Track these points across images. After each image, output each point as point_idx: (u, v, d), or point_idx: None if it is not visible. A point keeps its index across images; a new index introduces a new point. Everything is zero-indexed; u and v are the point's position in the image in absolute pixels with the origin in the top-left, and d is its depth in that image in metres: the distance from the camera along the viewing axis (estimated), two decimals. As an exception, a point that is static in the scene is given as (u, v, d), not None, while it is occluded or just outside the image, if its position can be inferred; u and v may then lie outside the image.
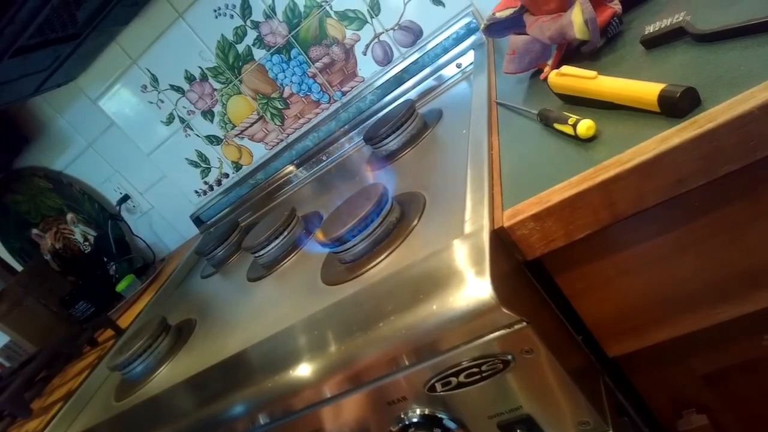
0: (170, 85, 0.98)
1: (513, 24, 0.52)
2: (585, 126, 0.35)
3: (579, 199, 0.32)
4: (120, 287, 1.05)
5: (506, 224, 0.34)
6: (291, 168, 0.97)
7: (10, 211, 1.22)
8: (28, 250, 1.29)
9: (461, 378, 0.34)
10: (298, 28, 0.88)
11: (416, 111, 0.71)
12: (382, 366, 0.36)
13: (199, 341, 0.65)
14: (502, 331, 0.31)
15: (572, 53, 0.49)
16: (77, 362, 0.81)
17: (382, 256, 0.48)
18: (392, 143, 0.71)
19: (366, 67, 0.89)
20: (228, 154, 1.04)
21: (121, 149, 1.08)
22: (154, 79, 0.98)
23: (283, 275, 0.63)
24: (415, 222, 0.49)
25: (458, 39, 0.81)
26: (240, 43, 0.91)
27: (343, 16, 0.85)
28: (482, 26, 0.54)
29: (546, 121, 0.40)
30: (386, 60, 0.88)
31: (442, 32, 0.82)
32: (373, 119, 0.88)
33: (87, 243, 1.23)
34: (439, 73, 0.83)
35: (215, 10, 0.89)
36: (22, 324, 1.07)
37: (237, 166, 1.05)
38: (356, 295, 0.41)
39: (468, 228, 0.36)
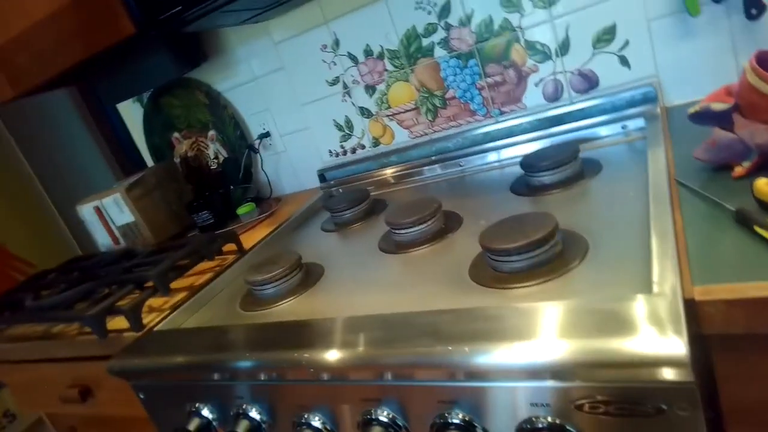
0: (348, 52, 1.07)
1: (721, 118, 0.57)
2: (793, 242, 0.40)
3: (775, 302, 0.37)
4: (240, 211, 1.16)
5: (697, 298, 0.39)
6: (426, 161, 1.04)
7: (162, 110, 1.36)
8: (162, 150, 1.43)
9: (611, 408, 0.40)
10: (484, 42, 0.94)
11: (579, 155, 0.77)
12: (542, 373, 0.42)
13: (326, 288, 0.73)
14: (673, 385, 0.36)
15: (770, 163, 0.53)
16: (205, 264, 0.92)
17: (536, 281, 0.54)
18: (547, 177, 0.76)
19: (532, 97, 0.95)
20: (373, 129, 1.12)
21: (279, 92, 1.18)
22: (336, 43, 1.07)
23: (422, 259, 0.70)
24: (576, 262, 0.54)
25: (631, 102, 0.85)
26: (426, 37, 0.98)
27: (531, 46, 0.91)
28: (690, 111, 0.59)
29: (745, 220, 0.45)
30: (554, 97, 0.93)
31: (618, 91, 0.86)
32: (521, 143, 0.93)
33: (216, 161, 1.35)
34: (601, 127, 0.87)
35: (417, 3, 0.96)
36: (147, 212, 1.21)
37: (376, 143, 1.13)
38: (518, 309, 0.47)
39: (656, 288, 0.41)
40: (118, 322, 0.80)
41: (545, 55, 0.91)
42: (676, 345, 0.35)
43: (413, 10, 0.97)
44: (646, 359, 0.37)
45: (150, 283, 0.80)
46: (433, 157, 1.04)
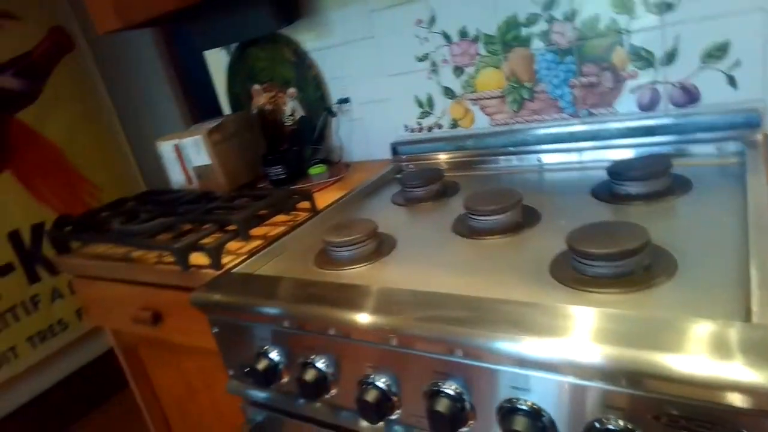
0: (443, 31, 1.07)
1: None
2: None
3: None
4: (312, 171, 1.20)
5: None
6: (503, 151, 1.05)
7: (248, 61, 1.40)
8: (240, 99, 1.47)
9: (691, 425, 0.41)
10: (586, 41, 0.93)
11: (671, 170, 0.76)
12: (621, 378, 0.43)
13: (399, 260, 0.76)
14: (759, 414, 0.38)
15: None
16: (280, 217, 0.96)
17: (620, 290, 0.55)
18: (634, 188, 0.76)
19: (625, 103, 0.93)
20: (454, 110, 1.13)
21: (365, 60, 1.20)
22: (432, 20, 1.07)
23: (497, 248, 0.72)
24: (663, 278, 0.55)
25: (732, 124, 0.83)
26: (527, 27, 0.97)
27: (635, 51, 0.89)
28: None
29: None
30: (649, 107, 0.91)
31: (719, 111, 0.84)
32: (606, 147, 0.93)
33: (291, 118, 1.39)
34: (694, 144, 0.85)
35: (524, -9, 0.95)
36: (223, 157, 1.26)
37: (454, 124, 1.14)
38: (608, 313, 0.48)
39: (756, 318, 0.42)
40: (197, 258, 0.85)
41: (648, 62, 0.89)
42: (774, 377, 0.36)
43: (518, -2, 0.96)
44: (739, 386, 0.38)
45: (232, 227, 0.85)
46: (512, 148, 1.04)
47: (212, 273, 0.82)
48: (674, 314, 0.45)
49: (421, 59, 1.12)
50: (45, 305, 2.03)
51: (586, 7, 0.91)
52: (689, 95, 0.88)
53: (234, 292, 0.73)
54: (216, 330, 0.77)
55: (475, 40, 1.04)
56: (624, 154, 0.91)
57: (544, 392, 0.49)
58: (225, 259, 0.84)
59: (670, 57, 0.87)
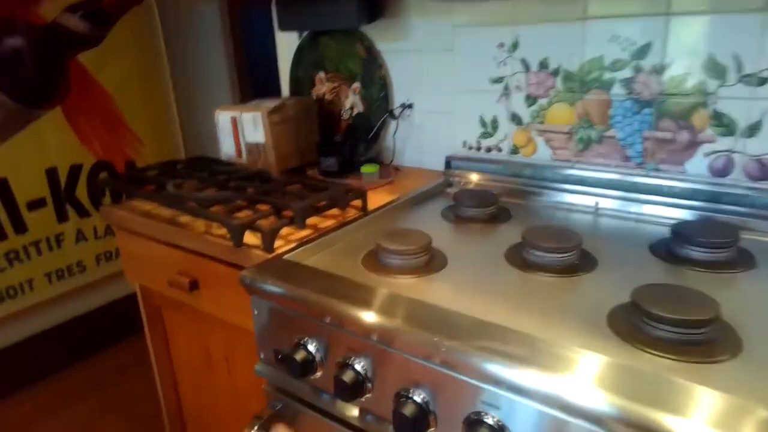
0: (523, 59, 1.07)
1: None
2: None
3: None
4: (365, 169, 1.20)
5: None
6: (560, 187, 1.04)
7: (318, 48, 1.41)
8: (302, 84, 1.48)
9: None
10: (668, 97, 0.92)
11: (739, 242, 0.75)
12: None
13: (449, 279, 0.76)
14: None
15: None
16: (332, 211, 0.96)
17: (680, 358, 0.54)
18: (698, 253, 0.75)
19: (696, 165, 0.92)
20: (517, 137, 1.12)
21: (438, 70, 1.20)
22: (514, 46, 1.07)
23: (551, 287, 0.72)
24: (727, 356, 0.54)
25: (803, 208, 0.82)
26: (611, 72, 0.97)
27: (717, 117, 0.88)
28: None
29: None
30: (720, 174, 0.90)
31: (794, 192, 0.83)
32: (669, 205, 0.92)
33: (349, 112, 1.39)
34: (760, 220, 0.84)
35: (614, 36, 0.95)
36: (278, 138, 1.27)
37: (515, 151, 1.14)
38: (680, 384, 0.48)
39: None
40: (249, 237, 0.86)
41: (728, 130, 0.88)
42: None
43: (607, 42, 0.96)
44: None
45: (289, 213, 0.86)
46: (570, 186, 1.03)
47: (262, 255, 0.83)
48: (741, 398, 0.45)
49: (495, 81, 1.12)
50: (68, 245, 2.06)
51: (677, 64, 0.90)
52: (764, 171, 0.87)
53: (285, 279, 0.74)
54: (256, 312, 0.78)
55: (555, 73, 1.03)
56: (685, 215, 0.90)
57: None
58: (277, 244, 0.85)
59: (753, 130, 0.86)
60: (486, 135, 1.17)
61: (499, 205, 0.99)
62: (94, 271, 2.15)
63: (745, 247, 0.78)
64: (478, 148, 1.19)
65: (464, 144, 1.21)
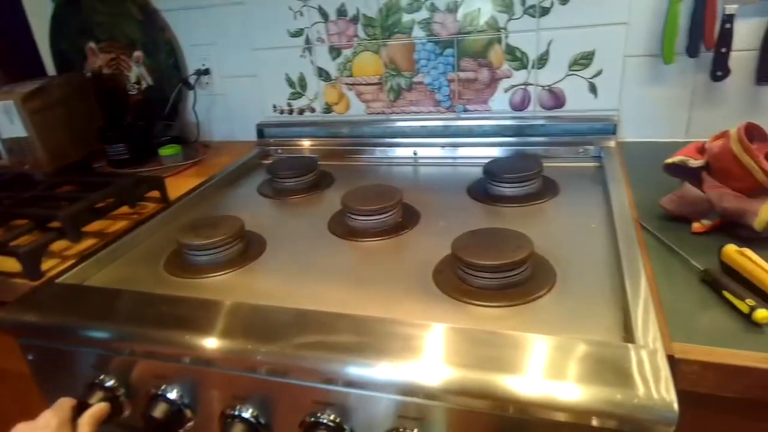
0: (320, 6, 0.98)
1: (692, 174, 0.60)
2: (762, 314, 0.43)
3: (745, 372, 0.39)
4: (164, 152, 1.03)
5: (676, 355, 0.41)
6: (380, 141, 1.00)
7: (81, 12, 1.15)
8: (70, 59, 1.22)
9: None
10: (466, 36, 0.91)
11: (542, 173, 0.78)
12: (532, 407, 0.41)
13: (269, 266, 0.67)
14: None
15: (728, 227, 0.57)
16: (121, 209, 0.80)
17: (505, 303, 0.53)
18: (509, 189, 0.76)
19: (498, 101, 0.94)
20: (328, 94, 1.05)
21: (232, 28, 1.06)
22: (308, -8, 0.97)
23: (378, 252, 0.67)
24: (545, 291, 0.54)
25: (591, 130, 0.88)
26: (409, 13, 0.93)
27: (510, 51, 0.90)
28: (665, 162, 0.61)
29: (713, 283, 0.48)
30: (520, 107, 0.93)
31: (581, 117, 0.89)
32: (480, 144, 0.93)
33: (137, 86, 1.18)
34: (559, 147, 0.89)
35: (406, -26, 0.90)
36: (45, 129, 1.03)
37: (328, 109, 1.06)
38: (508, 336, 0.46)
39: (640, 340, 0.42)
40: (6, 263, 0.67)
41: (521, 64, 0.90)
42: (667, 404, 0.36)
43: (401, -19, 0.91)
44: (637, 414, 0.37)
45: (56, 224, 0.68)
46: (388, 139, 1.00)
47: (28, 284, 0.65)
48: (568, 339, 0.44)
49: (294, 35, 1.02)
50: None
51: (469, 0, 0.89)
52: (556, 99, 0.91)
53: (57, 311, 0.58)
54: (31, 357, 0.61)
55: (354, 20, 0.97)
56: (497, 152, 0.92)
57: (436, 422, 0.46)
58: (47, 265, 0.67)
59: (542, 61, 0.89)
60: (296, 95, 1.07)
61: (319, 171, 0.92)
62: None
63: (549, 176, 0.82)
64: (291, 111, 1.09)
65: (275, 108, 1.10)
